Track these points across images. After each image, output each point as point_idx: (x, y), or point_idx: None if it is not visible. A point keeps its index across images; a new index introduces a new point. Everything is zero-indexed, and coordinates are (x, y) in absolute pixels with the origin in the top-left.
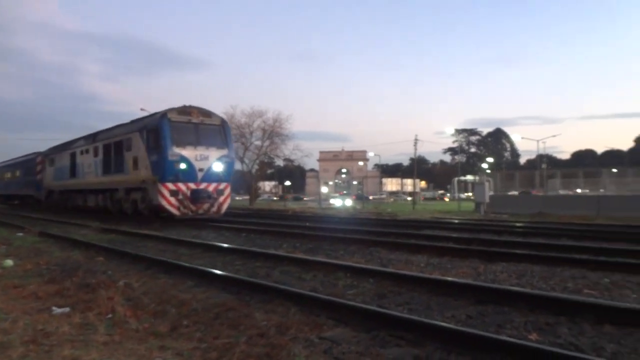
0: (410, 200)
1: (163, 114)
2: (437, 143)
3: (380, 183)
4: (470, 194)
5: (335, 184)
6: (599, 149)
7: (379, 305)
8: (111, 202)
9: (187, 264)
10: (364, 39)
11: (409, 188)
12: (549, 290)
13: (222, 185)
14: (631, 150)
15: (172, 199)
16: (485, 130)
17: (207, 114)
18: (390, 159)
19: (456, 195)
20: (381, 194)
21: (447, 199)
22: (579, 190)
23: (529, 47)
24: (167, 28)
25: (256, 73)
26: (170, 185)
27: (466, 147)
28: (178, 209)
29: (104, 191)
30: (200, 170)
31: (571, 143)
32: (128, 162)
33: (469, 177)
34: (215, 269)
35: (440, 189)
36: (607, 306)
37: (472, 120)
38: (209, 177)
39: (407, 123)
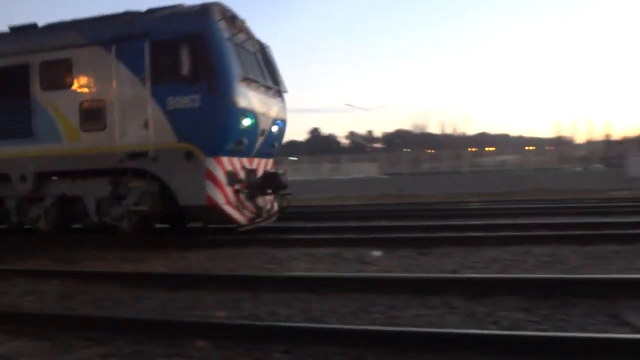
0: None
1: (205, 10)
2: None
3: None
4: None
5: None
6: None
7: (64, 308)
8: None
9: None
10: None
11: None
12: (237, 270)
13: (269, 164)
14: (307, 141)
15: (229, 191)
16: None
17: (248, 29)
18: None
19: None
20: None
21: None
22: None
23: None
24: None
25: None
26: (226, 163)
27: None
28: (238, 209)
29: None
30: (262, 133)
31: None
32: (58, 113)
33: None
34: None
35: None
36: (281, 277)
37: None
38: (265, 147)
39: None
